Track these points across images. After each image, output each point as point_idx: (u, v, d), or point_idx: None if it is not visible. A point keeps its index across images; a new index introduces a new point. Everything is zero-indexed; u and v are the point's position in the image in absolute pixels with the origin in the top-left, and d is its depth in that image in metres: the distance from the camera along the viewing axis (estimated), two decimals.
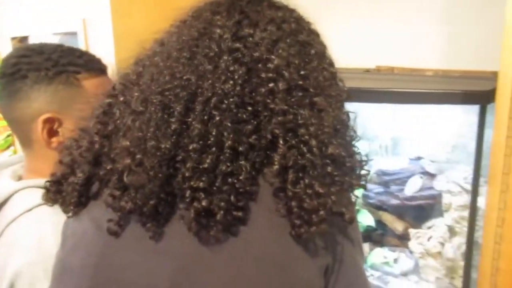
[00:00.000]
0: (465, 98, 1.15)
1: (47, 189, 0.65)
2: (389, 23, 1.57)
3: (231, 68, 0.57)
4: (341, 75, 0.66)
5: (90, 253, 0.59)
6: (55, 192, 0.64)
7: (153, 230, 0.56)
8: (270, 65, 0.58)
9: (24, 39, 1.86)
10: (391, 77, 1.53)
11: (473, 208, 1.20)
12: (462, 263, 1.31)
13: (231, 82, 0.56)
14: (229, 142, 0.54)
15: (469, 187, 1.30)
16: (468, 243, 1.23)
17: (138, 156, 0.55)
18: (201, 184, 0.53)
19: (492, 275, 0.96)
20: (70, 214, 0.63)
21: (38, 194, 0.82)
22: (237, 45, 0.58)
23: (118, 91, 0.63)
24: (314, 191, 0.54)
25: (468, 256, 1.23)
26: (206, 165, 0.53)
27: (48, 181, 0.65)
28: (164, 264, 0.55)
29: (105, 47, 1.47)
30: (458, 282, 1.35)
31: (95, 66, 0.88)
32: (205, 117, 0.55)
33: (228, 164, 0.54)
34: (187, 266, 0.55)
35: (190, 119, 0.55)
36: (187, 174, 0.54)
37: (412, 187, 1.46)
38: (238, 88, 0.56)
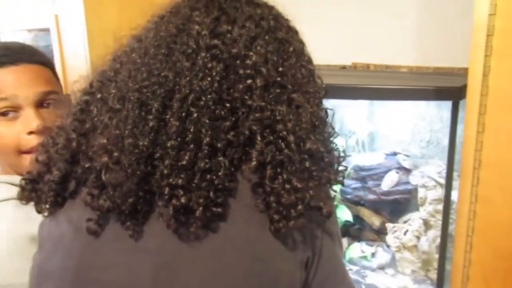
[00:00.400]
0: (438, 94, 1.18)
1: (23, 188, 0.63)
2: (365, 20, 1.59)
3: (209, 65, 0.57)
4: (318, 72, 0.67)
5: (69, 256, 0.58)
6: (31, 191, 0.63)
7: (132, 228, 0.56)
8: (248, 62, 0.58)
9: None
10: (366, 73, 1.56)
11: (447, 201, 1.23)
12: (436, 256, 1.34)
13: (209, 79, 0.56)
14: (207, 139, 0.54)
15: (443, 181, 1.33)
16: (443, 236, 1.25)
17: (116, 154, 0.54)
18: (179, 181, 0.53)
19: (464, 267, 0.98)
20: (46, 213, 0.63)
21: (5, 189, 0.82)
22: (215, 41, 0.58)
23: (96, 88, 0.62)
24: (292, 186, 0.55)
25: (443, 248, 1.26)
26: (184, 162, 0.53)
27: (23, 179, 0.64)
28: (145, 263, 0.55)
29: (78, 43, 1.44)
30: (433, 274, 1.38)
31: None
32: (183, 114, 0.55)
33: (207, 160, 0.54)
34: (168, 263, 0.55)
35: (167, 116, 0.55)
36: (165, 172, 0.54)
37: (388, 182, 1.48)
38: (215, 84, 0.56)
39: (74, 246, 0.58)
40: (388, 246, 1.50)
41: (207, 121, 0.55)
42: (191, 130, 0.54)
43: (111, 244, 0.57)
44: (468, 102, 0.92)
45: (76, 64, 1.47)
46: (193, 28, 0.59)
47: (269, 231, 0.55)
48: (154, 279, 0.55)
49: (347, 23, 1.62)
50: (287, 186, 0.55)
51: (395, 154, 1.56)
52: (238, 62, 0.58)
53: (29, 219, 0.79)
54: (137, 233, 0.56)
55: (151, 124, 0.55)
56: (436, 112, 1.48)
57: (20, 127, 0.81)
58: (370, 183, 1.53)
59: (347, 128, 1.64)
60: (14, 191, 0.83)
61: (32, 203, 0.81)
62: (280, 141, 0.56)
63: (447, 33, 1.44)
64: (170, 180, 0.53)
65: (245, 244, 0.56)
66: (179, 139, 0.54)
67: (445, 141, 1.39)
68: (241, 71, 0.58)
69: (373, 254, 1.52)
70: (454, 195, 1.23)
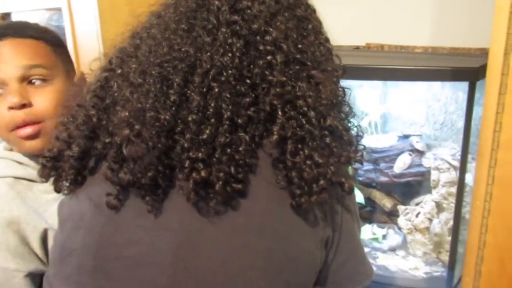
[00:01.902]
0: (455, 75, 1.16)
1: (43, 165, 0.64)
2: (379, 0, 1.56)
3: (229, 41, 0.56)
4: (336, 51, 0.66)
5: (91, 232, 0.58)
6: (51, 168, 0.63)
7: (151, 203, 0.56)
8: (268, 38, 0.58)
9: (6, 15, 1.81)
10: (381, 54, 1.53)
11: (461, 184, 1.22)
12: (448, 238, 1.34)
13: (230, 54, 0.56)
14: (228, 113, 0.54)
15: (456, 163, 1.32)
16: (456, 218, 1.25)
17: (137, 126, 0.55)
18: (200, 155, 0.53)
19: (479, 249, 0.98)
20: (65, 191, 0.63)
21: (4, 166, 0.83)
22: (235, 17, 0.58)
23: (115, 64, 0.62)
24: (313, 161, 0.55)
25: (455, 231, 1.26)
26: (205, 136, 0.53)
27: (44, 157, 0.64)
28: (166, 239, 0.56)
29: (90, 23, 1.44)
30: (444, 256, 1.38)
31: None
32: (204, 89, 0.55)
33: (227, 135, 0.54)
34: (189, 240, 0.55)
35: (189, 91, 0.55)
36: (186, 145, 0.54)
37: (401, 164, 1.47)
38: (236, 60, 0.56)
39: (95, 223, 0.59)
40: (399, 228, 1.50)
41: (228, 96, 0.55)
42: (212, 104, 0.54)
43: (131, 220, 0.57)
44: (488, 82, 0.91)
45: (88, 43, 1.47)
46: (213, 3, 0.59)
47: (290, 208, 0.56)
48: (175, 256, 0.55)
49: (361, 2, 1.59)
50: (309, 161, 0.54)
51: (408, 136, 1.55)
52: (258, 38, 0.58)
53: (15, 199, 0.80)
54: (156, 209, 0.56)
55: (172, 98, 0.55)
56: (451, 93, 1.46)
57: (3, 103, 0.79)
58: (382, 165, 1.52)
59: (360, 110, 1.62)
60: (13, 168, 0.83)
61: (30, 183, 0.82)
62: (300, 116, 0.56)
63: (463, 12, 1.41)
64: (191, 153, 0.53)
65: (265, 222, 0.56)
66: (200, 113, 0.54)
67: (460, 123, 1.38)
68: (261, 47, 0.57)
69: (384, 236, 1.52)
70: (468, 178, 1.22)
